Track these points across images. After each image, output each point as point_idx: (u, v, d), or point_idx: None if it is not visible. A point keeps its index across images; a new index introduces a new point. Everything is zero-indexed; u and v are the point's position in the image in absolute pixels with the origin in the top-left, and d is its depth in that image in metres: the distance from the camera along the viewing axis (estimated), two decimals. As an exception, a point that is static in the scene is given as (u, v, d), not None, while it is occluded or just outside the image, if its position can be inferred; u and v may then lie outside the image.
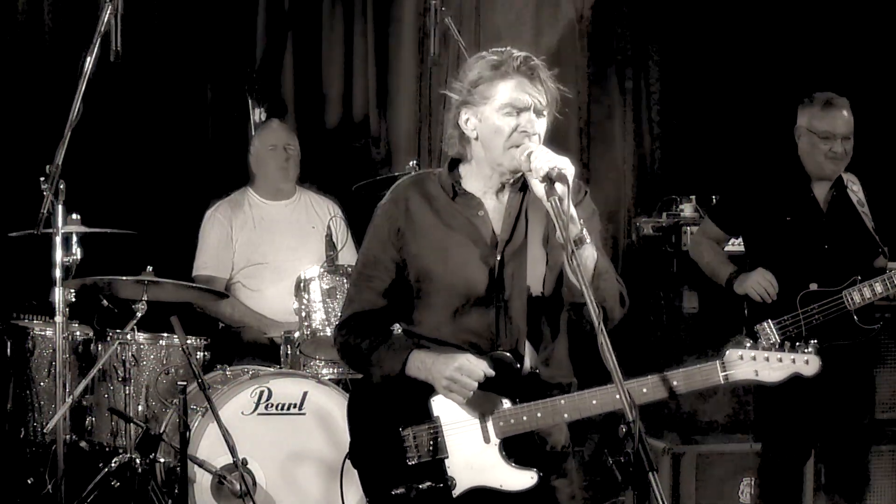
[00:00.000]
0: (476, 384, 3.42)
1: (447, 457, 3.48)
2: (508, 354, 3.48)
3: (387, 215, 3.60)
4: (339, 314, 3.78)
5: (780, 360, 3.42)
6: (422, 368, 3.47)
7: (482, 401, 3.45)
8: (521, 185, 3.55)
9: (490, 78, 3.43)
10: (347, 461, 3.62)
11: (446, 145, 3.58)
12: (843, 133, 5.13)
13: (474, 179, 3.56)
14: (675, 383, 3.40)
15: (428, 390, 3.48)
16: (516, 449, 3.46)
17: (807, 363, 3.43)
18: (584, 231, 3.34)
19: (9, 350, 5.64)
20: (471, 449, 3.47)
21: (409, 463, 3.49)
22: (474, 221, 3.54)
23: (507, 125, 3.42)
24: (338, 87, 7.28)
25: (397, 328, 3.67)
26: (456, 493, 3.47)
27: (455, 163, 3.60)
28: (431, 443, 3.48)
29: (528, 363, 3.51)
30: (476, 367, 3.42)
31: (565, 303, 3.54)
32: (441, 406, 3.49)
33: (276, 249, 6.11)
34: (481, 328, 3.51)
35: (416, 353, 3.49)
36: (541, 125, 3.45)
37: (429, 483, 3.47)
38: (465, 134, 3.50)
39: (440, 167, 3.65)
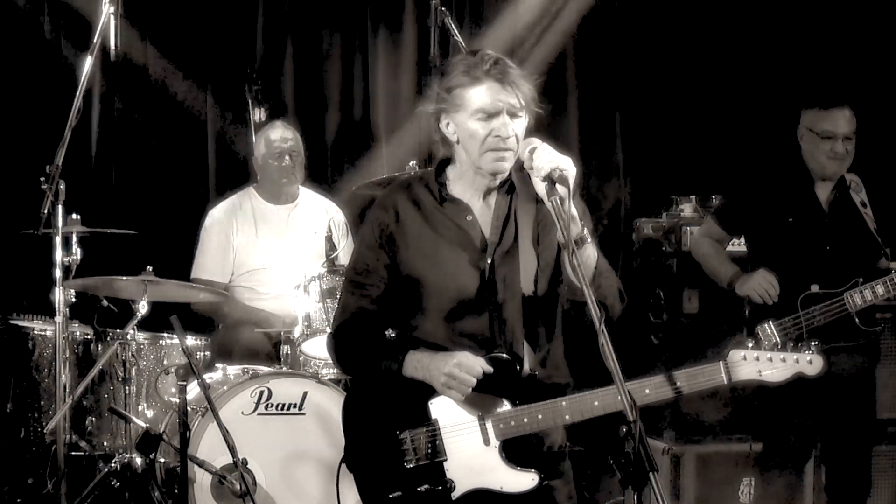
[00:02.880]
0: (475, 381, 3.42)
1: (446, 459, 3.48)
2: (506, 355, 3.47)
3: (377, 221, 3.59)
4: (332, 320, 3.77)
5: (784, 360, 3.42)
6: (419, 367, 3.47)
7: (481, 403, 3.45)
8: (509, 188, 3.56)
9: (462, 84, 3.45)
10: (343, 465, 3.62)
11: (434, 150, 3.59)
12: (844, 133, 5.13)
13: (461, 183, 3.57)
14: (678, 384, 3.40)
15: (426, 393, 3.48)
16: (516, 450, 3.46)
17: (810, 363, 3.43)
18: (585, 230, 3.35)
19: (9, 350, 5.64)
20: (470, 451, 3.47)
21: (408, 466, 3.48)
22: (463, 226, 3.54)
23: (481, 129, 3.44)
24: (337, 87, 7.29)
25: (390, 333, 3.67)
26: (455, 495, 3.46)
27: (443, 165, 3.61)
28: (430, 445, 3.48)
29: (527, 365, 3.50)
30: (475, 364, 3.42)
31: (564, 301, 3.54)
32: (440, 408, 3.49)
33: (277, 254, 6.10)
34: (475, 332, 3.51)
35: (413, 353, 3.49)
36: (517, 126, 3.46)
37: (427, 486, 3.47)
38: (447, 137, 3.52)
39: (430, 170, 3.66)
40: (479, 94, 3.43)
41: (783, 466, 5.22)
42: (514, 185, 3.54)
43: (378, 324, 3.62)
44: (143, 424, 5.22)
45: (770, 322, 5.09)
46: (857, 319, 5.07)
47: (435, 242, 3.53)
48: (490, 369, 3.43)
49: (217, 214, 6.20)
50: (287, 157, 6.18)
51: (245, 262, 6.12)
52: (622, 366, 3.08)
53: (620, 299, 3.53)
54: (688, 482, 5.89)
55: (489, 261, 3.51)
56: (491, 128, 3.43)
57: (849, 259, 5.13)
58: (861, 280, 5.07)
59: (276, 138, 6.22)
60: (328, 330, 5.30)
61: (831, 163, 5.15)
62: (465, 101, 3.44)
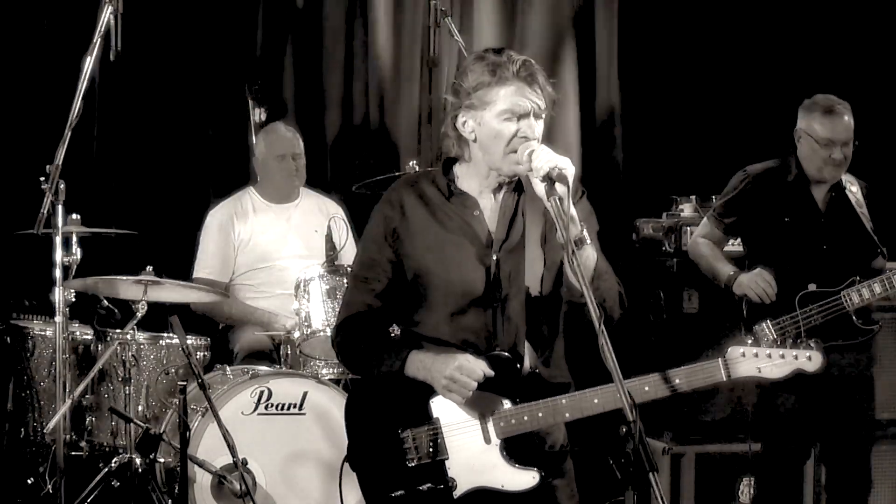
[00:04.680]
0: (476, 384, 3.42)
1: (447, 458, 3.48)
2: (507, 354, 3.48)
3: (382, 216, 3.60)
4: (337, 315, 3.78)
5: (783, 356, 3.41)
6: (421, 368, 3.47)
7: (482, 401, 3.45)
8: (516, 186, 3.56)
9: (489, 83, 3.42)
10: (346, 464, 3.63)
11: (444, 146, 3.58)
12: (843, 139, 5.12)
13: (470, 179, 3.57)
14: (677, 381, 3.39)
15: (427, 392, 3.48)
16: (517, 449, 3.46)
17: (809, 359, 3.42)
18: (585, 231, 3.35)
19: (9, 350, 5.64)
20: (471, 450, 3.47)
21: (409, 465, 3.49)
22: (469, 221, 3.54)
23: (507, 130, 3.42)
24: (338, 87, 7.28)
25: (396, 330, 3.68)
26: (457, 494, 3.46)
27: (450, 163, 3.61)
28: (431, 444, 3.48)
29: (527, 363, 3.51)
30: (476, 367, 3.42)
31: (564, 302, 3.55)
32: (441, 407, 3.49)
33: (278, 254, 6.09)
34: (479, 328, 3.51)
35: (416, 353, 3.49)
36: (539, 128, 3.46)
37: (429, 485, 3.47)
38: (463, 136, 3.51)
39: (437, 167, 3.66)
40: (508, 95, 3.41)
41: (783, 466, 5.23)
42: (521, 184, 3.54)
43: (382, 320, 3.63)
44: (143, 424, 5.22)
45: (768, 321, 5.09)
46: (854, 318, 5.07)
47: (441, 236, 3.53)
48: (491, 373, 3.43)
49: (217, 214, 6.21)
50: (289, 159, 6.18)
51: (245, 262, 6.13)
52: (622, 366, 3.08)
53: (620, 304, 3.52)
54: (688, 482, 5.90)
55: (494, 257, 3.51)
56: (517, 128, 3.42)
57: (845, 258, 5.14)
58: (858, 279, 5.07)
59: (279, 144, 6.22)
60: (328, 330, 5.33)
61: (829, 168, 5.15)
62: (492, 101, 3.42)
